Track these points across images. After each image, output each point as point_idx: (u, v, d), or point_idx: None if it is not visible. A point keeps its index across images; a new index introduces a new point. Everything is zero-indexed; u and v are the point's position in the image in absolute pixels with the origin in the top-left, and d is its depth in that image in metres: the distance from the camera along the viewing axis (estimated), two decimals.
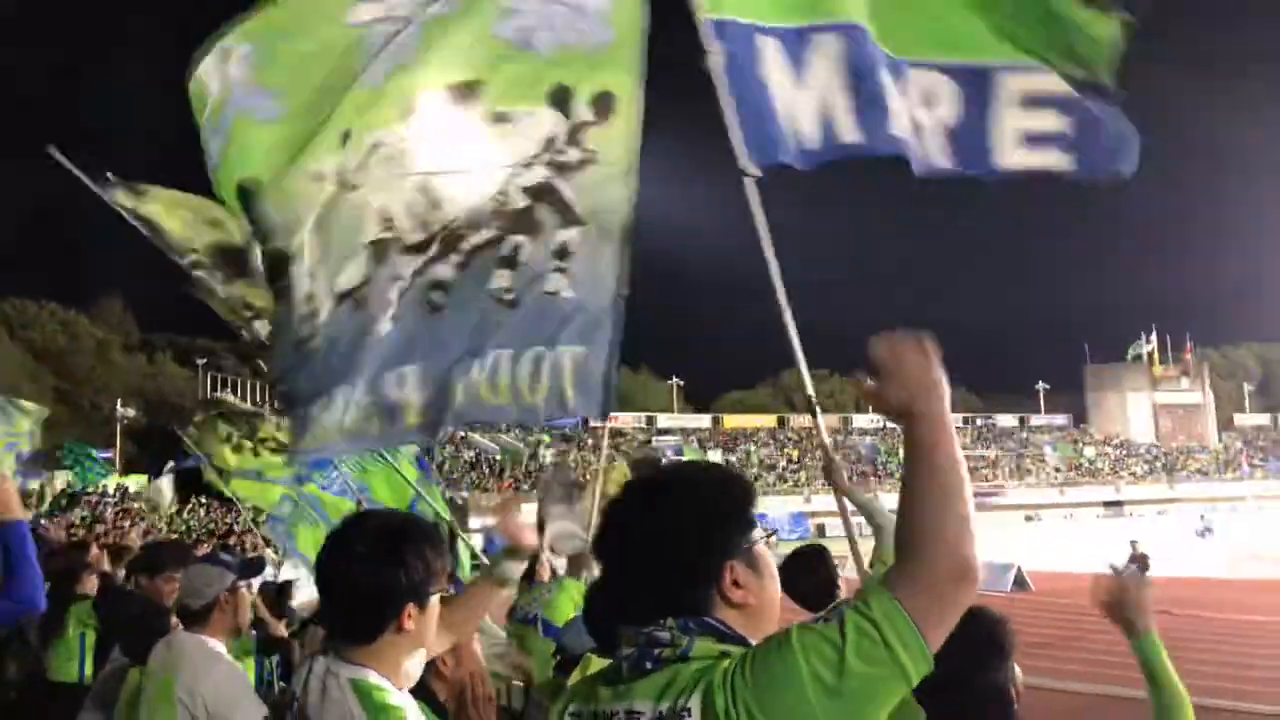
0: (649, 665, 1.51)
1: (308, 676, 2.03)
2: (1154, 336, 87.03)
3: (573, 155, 3.61)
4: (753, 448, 79.06)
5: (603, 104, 3.57)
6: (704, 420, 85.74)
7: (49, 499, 37.31)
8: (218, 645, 3.54)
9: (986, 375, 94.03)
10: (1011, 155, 3.52)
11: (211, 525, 30.41)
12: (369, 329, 3.57)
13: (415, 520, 2.20)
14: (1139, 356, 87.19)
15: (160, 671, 3.42)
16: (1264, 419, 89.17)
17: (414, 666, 2.15)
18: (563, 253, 3.69)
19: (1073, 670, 13.08)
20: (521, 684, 4.62)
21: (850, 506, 3.42)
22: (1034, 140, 3.53)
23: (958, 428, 1.58)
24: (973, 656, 2.34)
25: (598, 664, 3.26)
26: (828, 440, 3.52)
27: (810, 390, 3.40)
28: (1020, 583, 25.30)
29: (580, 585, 5.75)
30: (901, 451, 1.59)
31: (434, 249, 3.61)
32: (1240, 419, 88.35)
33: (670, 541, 1.58)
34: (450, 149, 3.56)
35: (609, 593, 1.68)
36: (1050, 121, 3.52)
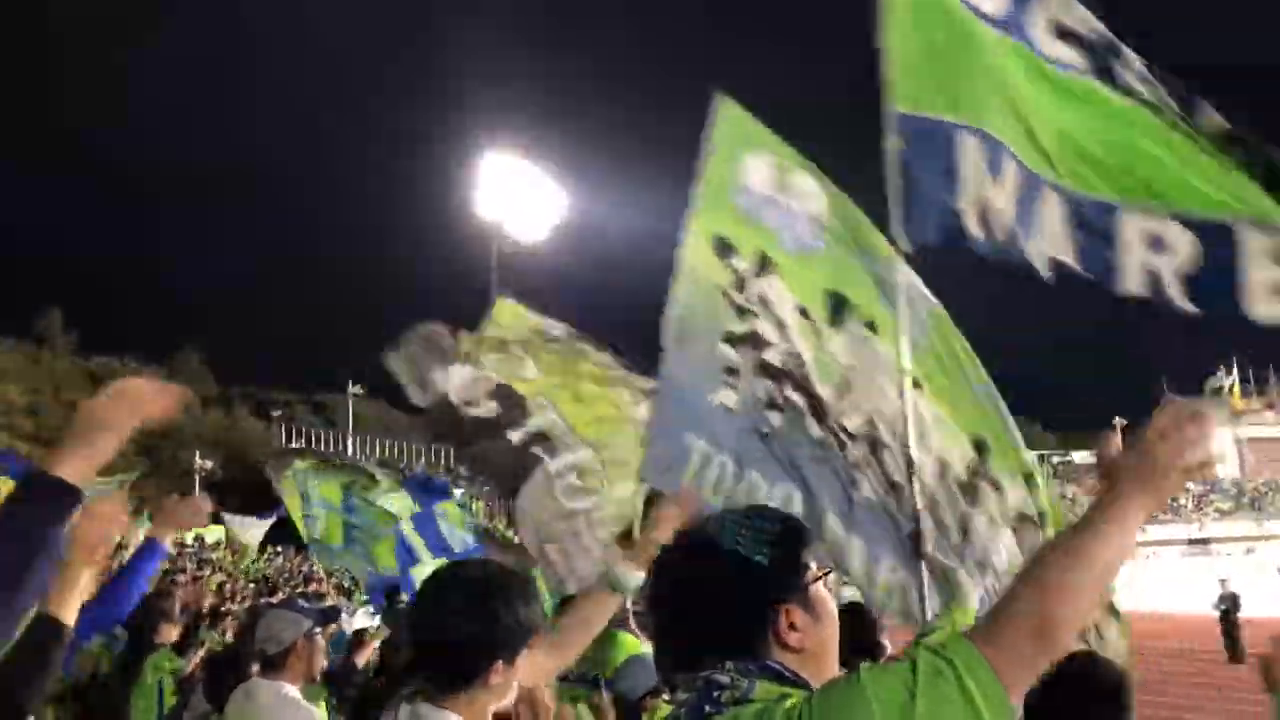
0: (708, 709, 1.46)
1: None
2: (1234, 369, 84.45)
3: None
4: None
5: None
6: None
7: (130, 549, 38.02)
8: (293, 691, 3.60)
9: (1061, 411, 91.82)
10: (1267, 305, 3.40)
11: (288, 573, 30.77)
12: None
13: (510, 573, 2.19)
14: (1219, 389, 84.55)
15: (238, 717, 3.51)
16: None
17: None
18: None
19: (1157, 716, 12.63)
20: None
21: None
22: None
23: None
24: (1096, 706, 2.32)
25: (664, 710, 3.25)
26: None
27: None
28: None
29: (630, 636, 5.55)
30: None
31: (812, 409, 4.02)
32: None
33: (722, 586, 1.57)
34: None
35: (664, 641, 1.68)
36: None
